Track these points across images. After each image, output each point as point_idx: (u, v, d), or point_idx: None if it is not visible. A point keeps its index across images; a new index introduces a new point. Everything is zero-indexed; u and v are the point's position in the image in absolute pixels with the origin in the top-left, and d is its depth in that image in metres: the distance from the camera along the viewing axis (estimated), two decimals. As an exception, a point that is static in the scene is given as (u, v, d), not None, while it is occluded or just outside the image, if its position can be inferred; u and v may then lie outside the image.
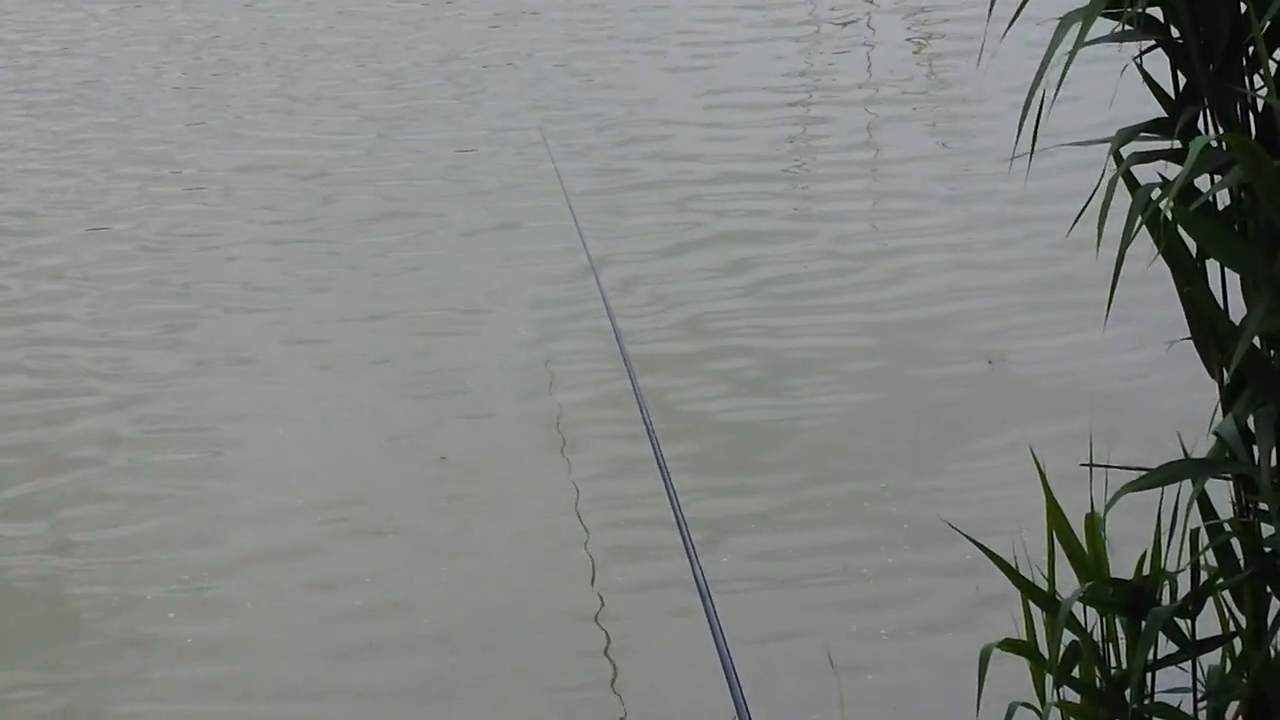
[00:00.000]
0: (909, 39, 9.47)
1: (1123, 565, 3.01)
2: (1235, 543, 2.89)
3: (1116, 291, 2.75)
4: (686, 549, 2.70)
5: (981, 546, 2.99)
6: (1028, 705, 2.97)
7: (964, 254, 6.76)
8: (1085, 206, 2.83)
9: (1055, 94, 2.63)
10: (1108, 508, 2.62)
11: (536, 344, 6.15)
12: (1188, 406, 3.18)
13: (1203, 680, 2.94)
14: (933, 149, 7.88)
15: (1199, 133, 2.79)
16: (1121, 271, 2.73)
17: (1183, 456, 2.96)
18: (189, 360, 6.13)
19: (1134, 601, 2.89)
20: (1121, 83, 3.14)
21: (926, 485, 5.22)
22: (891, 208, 7.29)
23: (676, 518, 2.78)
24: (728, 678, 2.55)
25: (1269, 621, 2.88)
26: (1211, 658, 2.96)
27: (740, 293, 6.50)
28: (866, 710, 4.50)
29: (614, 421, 5.58)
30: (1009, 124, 3.28)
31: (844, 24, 9.69)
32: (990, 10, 2.90)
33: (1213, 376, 2.88)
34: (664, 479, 2.92)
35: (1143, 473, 2.74)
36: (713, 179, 7.55)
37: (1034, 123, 2.73)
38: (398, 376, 5.98)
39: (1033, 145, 2.75)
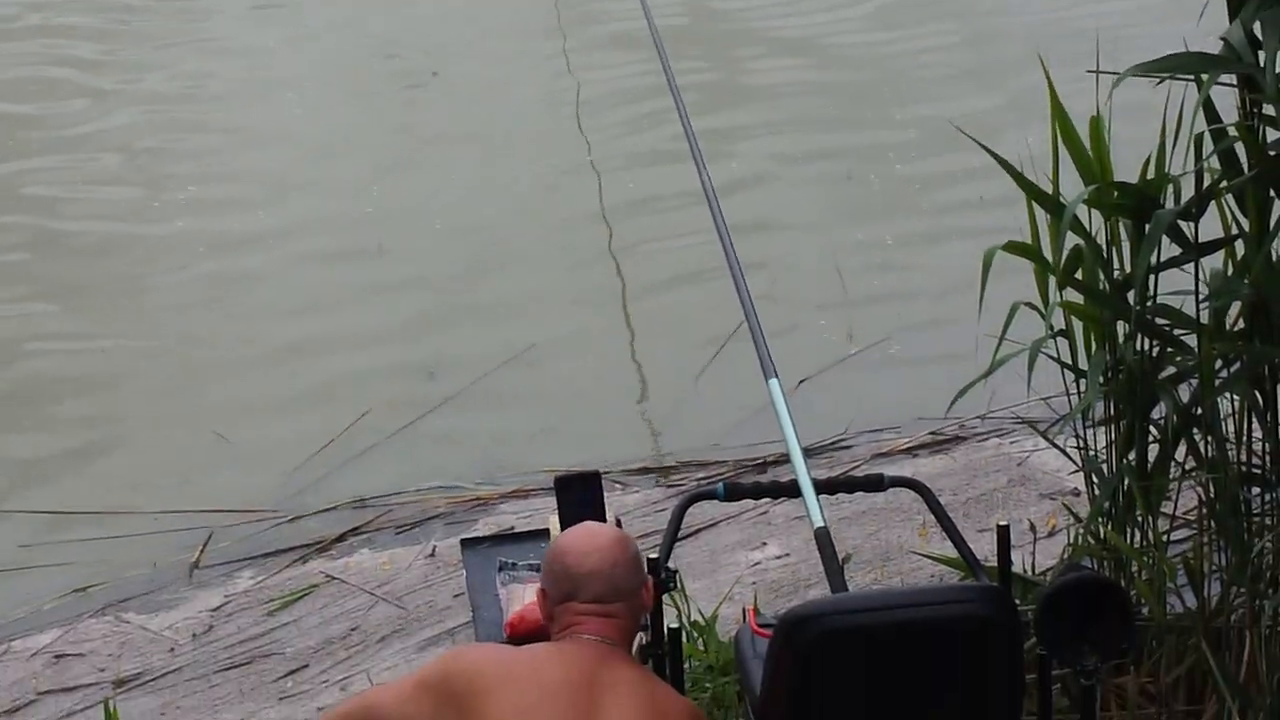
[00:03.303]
0: None
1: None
2: (1239, 148, 2.90)
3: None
4: (692, 152, 2.73)
5: (988, 149, 2.98)
6: (1031, 306, 3.00)
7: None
8: None
9: None
10: (1112, 89, 2.61)
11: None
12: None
13: (1205, 282, 2.95)
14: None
15: None
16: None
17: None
18: None
19: (1138, 204, 2.89)
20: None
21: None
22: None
23: (683, 122, 2.78)
24: (732, 271, 2.60)
25: (1270, 224, 2.90)
26: (1214, 260, 2.96)
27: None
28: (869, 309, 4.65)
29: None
30: None
31: None
32: None
33: (1221, -19, 2.86)
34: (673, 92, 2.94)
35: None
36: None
37: None
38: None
39: None
